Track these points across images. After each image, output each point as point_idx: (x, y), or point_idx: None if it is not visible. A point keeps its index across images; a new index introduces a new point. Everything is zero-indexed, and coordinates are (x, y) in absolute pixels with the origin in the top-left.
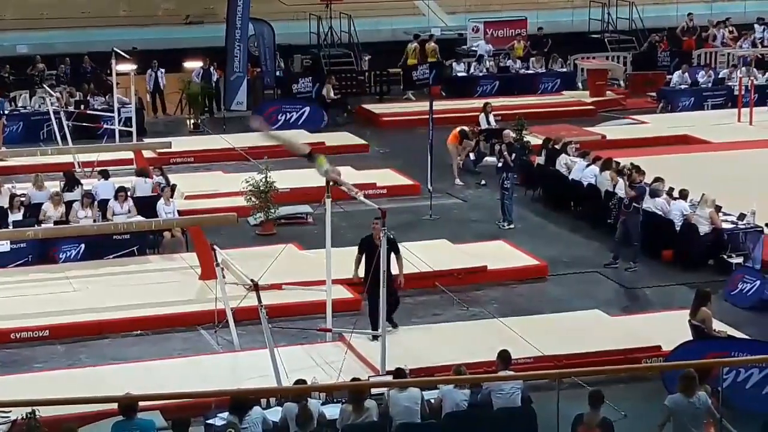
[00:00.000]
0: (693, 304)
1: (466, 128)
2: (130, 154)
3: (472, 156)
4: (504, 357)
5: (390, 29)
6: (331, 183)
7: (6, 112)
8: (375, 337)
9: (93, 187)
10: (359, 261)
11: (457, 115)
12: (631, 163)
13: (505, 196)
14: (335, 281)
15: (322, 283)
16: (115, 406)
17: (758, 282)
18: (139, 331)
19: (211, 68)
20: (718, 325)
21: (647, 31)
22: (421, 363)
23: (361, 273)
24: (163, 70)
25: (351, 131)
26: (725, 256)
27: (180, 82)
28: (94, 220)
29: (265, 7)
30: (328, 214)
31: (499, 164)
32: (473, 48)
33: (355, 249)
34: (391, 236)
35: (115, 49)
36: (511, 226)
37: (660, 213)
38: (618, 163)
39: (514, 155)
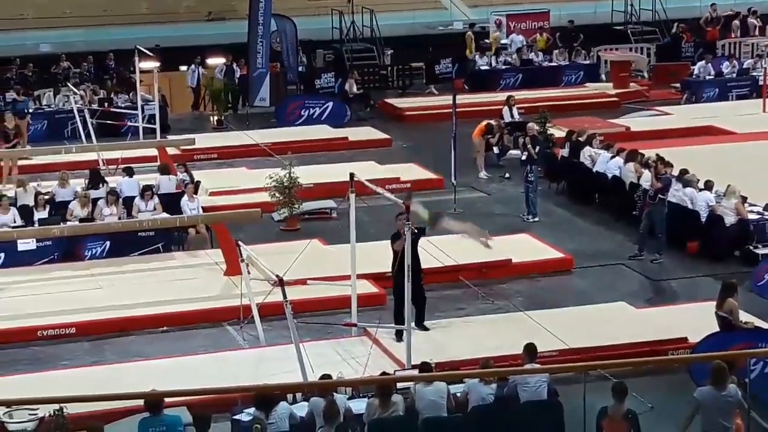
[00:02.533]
0: (719, 295)
1: (492, 122)
2: (154, 152)
3: (495, 149)
4: (530, 350)
5: (412, 23)
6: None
7: (30, 110)
8: (399, 338)
9: (117, 184)
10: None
11: (481, 109)
12: (657, 155)
13: (530, 189)
14: (360, 276)
15: (347, 278)
16: (141, 402)
17: None
18: (164, 328)
19: (234, 65)
20: (744, 317)
21: (671, 22)
22: (447, 357)
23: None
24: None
25: (374, 126)
26: (751, 247)
27: (203, 79)
28: (119, 218)
29: (287, 2)
30: (352, 209)
31: (523, 157)
32: (504, 42)
33: (379, 244)
34: (415, 230)
35: (138, 46)
36: (536, 219)
37: (687, 201)
38: (643, 155)
39: (537, 148)
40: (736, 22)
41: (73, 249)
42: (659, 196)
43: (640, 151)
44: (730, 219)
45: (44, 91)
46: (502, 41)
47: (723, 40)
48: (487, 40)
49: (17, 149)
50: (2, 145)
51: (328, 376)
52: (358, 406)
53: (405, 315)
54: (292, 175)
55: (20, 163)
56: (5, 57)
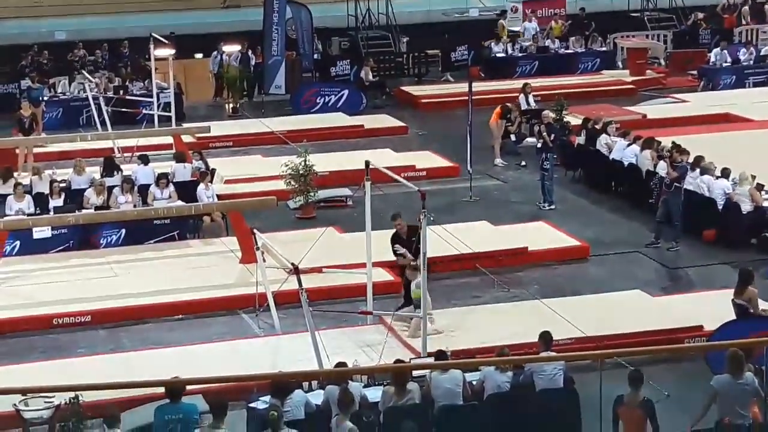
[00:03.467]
0: (738, 283)
1: (509, 104)
2: (169, 139)
3: (513, 137)
4: (545, 338)
5: (428, 10)
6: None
7: (45, 98)
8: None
9: (133, 172)
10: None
11: (497, 96)
12: (673, 143)
13: (545, 177)
14: (375, 264)
15: (363, 266)
16: (156, 390)
17: None
18: (180, 316)
19: (249, 52)
20: (762, 305)
21: (687, 9)
22: (462, 345)
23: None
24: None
25: (390, 113)
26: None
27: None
28: (135, 205)
29: None
30: (367, 196)
31: (539, 145)
32: (514, 29)
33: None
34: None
35: (153, 34)
36: (552, 207)
37: (704, 188)
38: (659, 143)
39: (553, 136)
40: (746, 8)
41: (89, 237)
42: (675, 184)
43: (657, 138)
44: (746, 206)
45: (59, 79)
46: (515, 28)
47: (740, 27)
48: (514, 28)
49: (32, 137)
50: (18, 132)
51: (344, 364)
52: (374, 394)
53: (421, 304)
54: (307, 162)
55: (35, 150)
56: (21, 44)
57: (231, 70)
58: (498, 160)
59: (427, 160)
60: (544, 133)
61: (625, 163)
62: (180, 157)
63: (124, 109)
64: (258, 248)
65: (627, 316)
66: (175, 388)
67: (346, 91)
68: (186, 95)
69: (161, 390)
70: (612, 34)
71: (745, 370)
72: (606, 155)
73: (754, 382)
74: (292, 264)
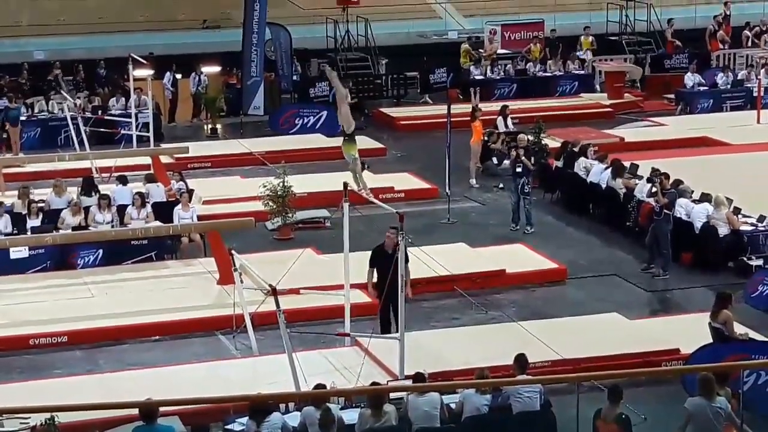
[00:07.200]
0: (714, 306)
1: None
2: (147, 160)
3: (494, 160)
4: (520, 361)
5: (407, 32)
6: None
7: (23, 118)
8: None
9: (111, 192)
10: (371, 274)
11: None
12: (653, 168)
13: (526, 200)
14: (353, 285)
15: (340, 287)
16: (133, 411)
17: None
18: (157, 337)
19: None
20: (738, 328)
21: (665, 33)
22: (440, 367)
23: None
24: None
25: (368, 135)
26: (745, 259)
27: (205, 88)
28: (113, 225)
29: (282, 11)
30: (345, 218)
31: (519, 169)
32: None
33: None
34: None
35: (131, 54)
36: (532, 230)
37: (682, 212)
38: (625, 168)
39: (532, 159)
40: (721, 32)
41: (66, 257)
42: (665, 211)
43: (635, 162)
44: (723, 230)
45: (37, 99)
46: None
47: (717, 51)
48: (482, 50)
49: (7, 157)
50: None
51: (321, 386)
52: (351, 416)
53: (399, 325)
54: (285, 183)
55: (13, 170)
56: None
57: (210, 91)
58: (473, 181)
59: (405, 181)
60: (523, 157)
61: (603, 186)
62: (151, 178)
63: (102, 129)
64: (236, 269)
65: (604, 339)
66: (149, 410)
67: (324, 113)
68: (164, 115)
69: None
70: (590, 57)
71: (717, 392)
72: (584, 178)
73: (727, 407)
74: (270, 285)
